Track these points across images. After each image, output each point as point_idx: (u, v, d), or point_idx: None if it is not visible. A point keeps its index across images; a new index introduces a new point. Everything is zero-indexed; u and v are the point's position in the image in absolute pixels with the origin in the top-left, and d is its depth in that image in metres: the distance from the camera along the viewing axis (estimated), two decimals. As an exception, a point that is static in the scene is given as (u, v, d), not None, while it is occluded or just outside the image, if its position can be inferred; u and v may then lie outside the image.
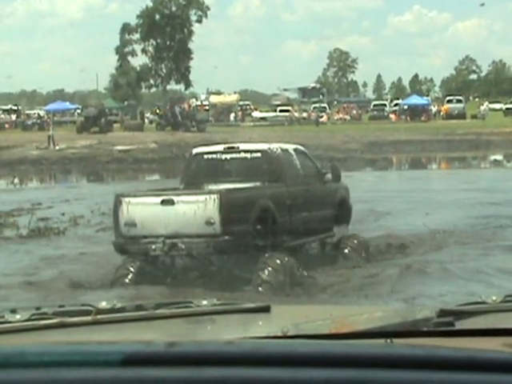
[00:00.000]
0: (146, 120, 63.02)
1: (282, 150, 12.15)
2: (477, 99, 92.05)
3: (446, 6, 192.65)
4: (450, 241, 13.57)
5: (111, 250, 11.04)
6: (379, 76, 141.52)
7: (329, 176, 12.91)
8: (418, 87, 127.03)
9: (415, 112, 64.69)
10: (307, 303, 8.56)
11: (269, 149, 11.90)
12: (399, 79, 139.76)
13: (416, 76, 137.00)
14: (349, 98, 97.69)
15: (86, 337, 2.14)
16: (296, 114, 65.95)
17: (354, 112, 67.75)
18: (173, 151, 40.24)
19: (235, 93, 77.57)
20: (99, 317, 2.21)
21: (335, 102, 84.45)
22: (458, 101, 68.15)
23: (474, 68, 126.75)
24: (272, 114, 67.46)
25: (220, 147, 12.35)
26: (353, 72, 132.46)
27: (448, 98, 70.37)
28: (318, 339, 1.98)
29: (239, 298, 7.96)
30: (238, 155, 11.93)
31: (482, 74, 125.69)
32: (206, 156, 12.10)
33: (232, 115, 65.56)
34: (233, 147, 12.15)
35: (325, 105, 70.49)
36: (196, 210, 10.08)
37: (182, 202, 10.21)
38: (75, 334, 2.13)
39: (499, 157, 42.34)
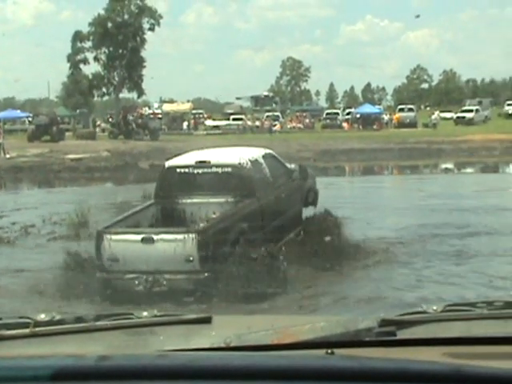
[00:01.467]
0: (98, 128, 62.60)
1: (251, 161, 12.43)
2: (428, 108, 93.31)
3: (398, 15, 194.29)
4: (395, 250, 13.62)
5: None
6: (332, 85, 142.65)
7: (297, 173, 13.84)
8: (370, 96, 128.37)
9: (368, 121, 64.89)
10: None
11: (239, 164, 12.19)
12: (352, 88, 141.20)
13: (368, 85, 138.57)
14: (302, 106, 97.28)
15: (22, 350, 2.09)
16: (249, 123, 65.90)
17: (307, 120, 67.52)
18: (126, 160, 39.95)
19: (188, 101, 77.30)
20: (37, 329, 2.17)
21: (288, 111, 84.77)
22: (410, 109, 68.82)
23: (426, 77, 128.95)
24: (225, 122, 67.45)
25: (192, 161, 12.52)
26: (306, 81, 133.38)
27: (400, 107, 71.06)
28: (260, 350, 1.97)
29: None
30: (209, 170, 12.23)
31: (433, 83, 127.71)
32: (178, 170, 12.37)
33: (185, 123, 65.00)
34: (204, 161, 12.36)
35: (278, 113, 70.23)
36: (175, 247, 10.34)
37: (161, 240, 10.45)
38: (12, 348, 2.09)
39: (450, 165, 42.50)
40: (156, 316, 2.36)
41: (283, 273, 10.94)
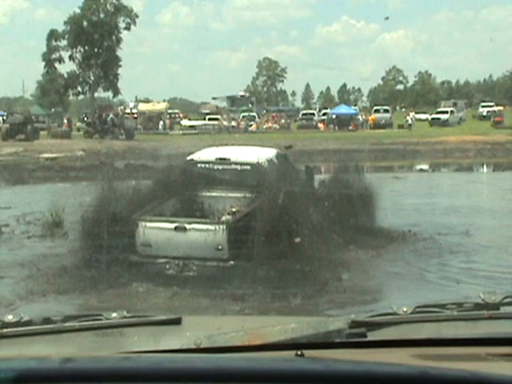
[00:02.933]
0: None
1: (267, 160, 13.57)
2: (403, 109, 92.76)
3: (373, 17, 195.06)
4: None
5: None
6: (308, 85, 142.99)
7: (303, 173, 15.21)
8: (346, 97, 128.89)
9: (343, 121, 64.92)
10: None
11: (257, 162, 13.22)
12: (327, 89, 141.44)
13: (344, 86, 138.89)
14: (278, 106, 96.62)
15: (-11, 352, 2.07)
16: (225, 123, 65.21)
17: (283, 121, 67.12)
18: (101, 159, 39.33)
19: (164, 101, 77.37)
20: (5, 330, 2.14)
21: (264, 111, 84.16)
22: (385, 111, 69.12)
23: (401, 78, 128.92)
24: (201, 122, 67.23)
25: (212, 157, 13.52)
26: (282, 81, 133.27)
27: (375, 108, 71.46)
28: (230, 351, 1.96)
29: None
30: (229, 166, 13.25)
31: (409, 85, 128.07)
32: (199, 165, 13.39)
33: (161, 123, 64.13)
34: (224, 158, 13.39)
35: (254, 113, 69.99)
36: (206, 236, 11.23)
37: (193, 229, 11.37)
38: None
39: (425, 166, 42.50)
40: (125, 317, 2.34)
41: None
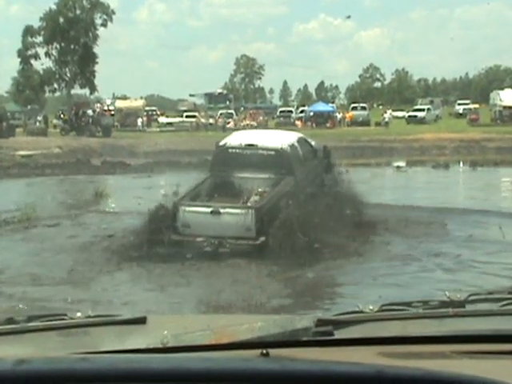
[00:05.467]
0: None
1: (290, 145, 15.15)
2: (381, 107, 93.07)
3: (351, 14, 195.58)
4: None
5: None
6: (285, 83, 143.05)
7: (321, 152, 17.11)
8: (323, 94, 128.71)
9: (321, 119, 64.85)
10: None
11: (281, 148, 14.85)
12: (305, 86, 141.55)
13: (322, 83, 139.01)
14: (256, 104, 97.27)
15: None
16: (203, 120, 65.33)
17: (261, 118, 65.73)
18: (77, 156, 39.28)
19: (141, 98, 76.60)
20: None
21: (242, 108, 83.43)
22: (363, 108, 69.15)
23: (378, 76, 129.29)
24: (178, 119, 67.19)
25: (242, 143, 14.97)
26: (259, 78, 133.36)
27: (353, 105, 71.33)
28: (197, 350, 1.95)
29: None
30: (256, 151, 14.78)
31: (386, 82, 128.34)
32: (230, 150, 14.86)
33: (139, 120, 63.89)
34: (252, 144, 14.89)
35: (231, 111, 69.67)
36: (238, 219, 13.02)
37: (226, 213, 13.15)
38: None
39: (402, 163, 41.79)
40: (90, 317, 2.32)
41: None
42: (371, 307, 2.37)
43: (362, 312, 2.34)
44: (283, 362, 1.44)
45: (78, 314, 2.31)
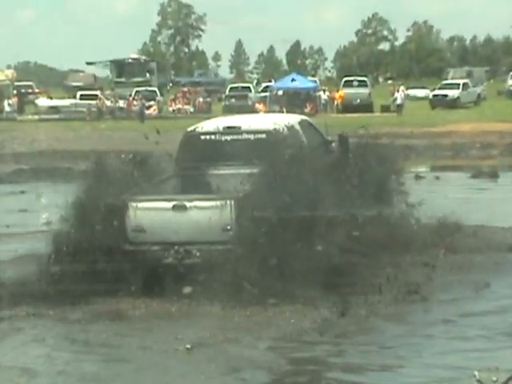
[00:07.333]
0: None
1: (287, 128, 13.27)
2: (390, 81, 79.57)
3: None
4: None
5: None
6: (239, 43, 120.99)
7: (336, 145, 14.71)
8: (299, 62, 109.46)
9: (295, 100, 52.02)
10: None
11: (274, 129, 13.05)
12: (271, 49, 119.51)
13: (297, 44, 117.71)
14: (192, 77, 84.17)
15: None
16: (108, 103, 54.80)
17: (201, 100, 56.66)
18: None
19: (9, 68, 71.02)
20: None
21: (170, 84, 73.96)
22: (362, 84, 57.44)
23: (386, 33, 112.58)
24: (68, 101, 56.75)
25: (219, 127, 13.39)
26: (198, 36, 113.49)
27: (346, 79, 59.32)
28: None
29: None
30: (239, 136, 13.05)
31: (398, 43, 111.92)
32: (202, 137, 13.27)
33: (6, 103, 54.06)
34: (234, 127, 13.31)
35: (154, 88, 59.15)
36: (211, 216, 11.04)
37: (195, 208, 11.22)
38: None
39: (424, 169, 33.06)
40: None
41: None
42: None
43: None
44: None
45: None
